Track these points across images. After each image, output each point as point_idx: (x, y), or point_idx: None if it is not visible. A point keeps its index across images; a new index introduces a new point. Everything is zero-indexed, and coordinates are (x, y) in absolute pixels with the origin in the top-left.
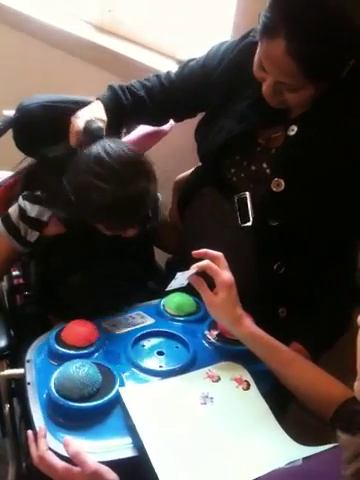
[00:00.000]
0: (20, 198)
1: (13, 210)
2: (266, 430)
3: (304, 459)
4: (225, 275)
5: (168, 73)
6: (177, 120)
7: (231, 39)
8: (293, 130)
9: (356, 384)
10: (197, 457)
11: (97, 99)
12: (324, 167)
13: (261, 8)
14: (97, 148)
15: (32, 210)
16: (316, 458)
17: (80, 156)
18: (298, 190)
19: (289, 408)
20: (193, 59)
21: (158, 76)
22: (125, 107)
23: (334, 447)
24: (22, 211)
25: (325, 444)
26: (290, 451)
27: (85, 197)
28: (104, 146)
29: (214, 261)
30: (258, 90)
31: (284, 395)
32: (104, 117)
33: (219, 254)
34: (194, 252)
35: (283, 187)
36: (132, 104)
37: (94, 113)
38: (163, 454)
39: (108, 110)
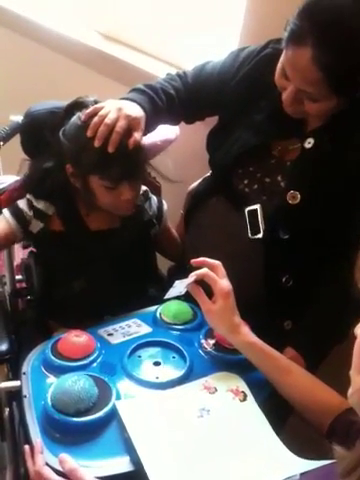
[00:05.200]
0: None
1: (21, 201)
2: (264, 443)
3: (302, 474)
4: (223, 283)
5: (185, 75)
6: (188, 122)
7: (246, 45)
8: (310, 143)
9: (350, 392)
10: (194, 472)
11: (128, 99)
12: (340, 180)
13: (271, 18)
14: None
15: (38, 203)
16: (313, 473)
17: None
18: (314, 203)
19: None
20: (210, 61)
21: (179, 76)
22: (162, 109)
23: (332, 463)
24: (29, 202)
25: (324, 457)
26: (288, 465)
27: (82, 146)
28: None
29: (212, 270)
30: (275, 101)
31: (283, 407)
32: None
33: (217, 263)
34: (193, 260)
35: (299, 200)
36: (166, 105)
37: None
38: (160, 469)
39: (145, 111)
